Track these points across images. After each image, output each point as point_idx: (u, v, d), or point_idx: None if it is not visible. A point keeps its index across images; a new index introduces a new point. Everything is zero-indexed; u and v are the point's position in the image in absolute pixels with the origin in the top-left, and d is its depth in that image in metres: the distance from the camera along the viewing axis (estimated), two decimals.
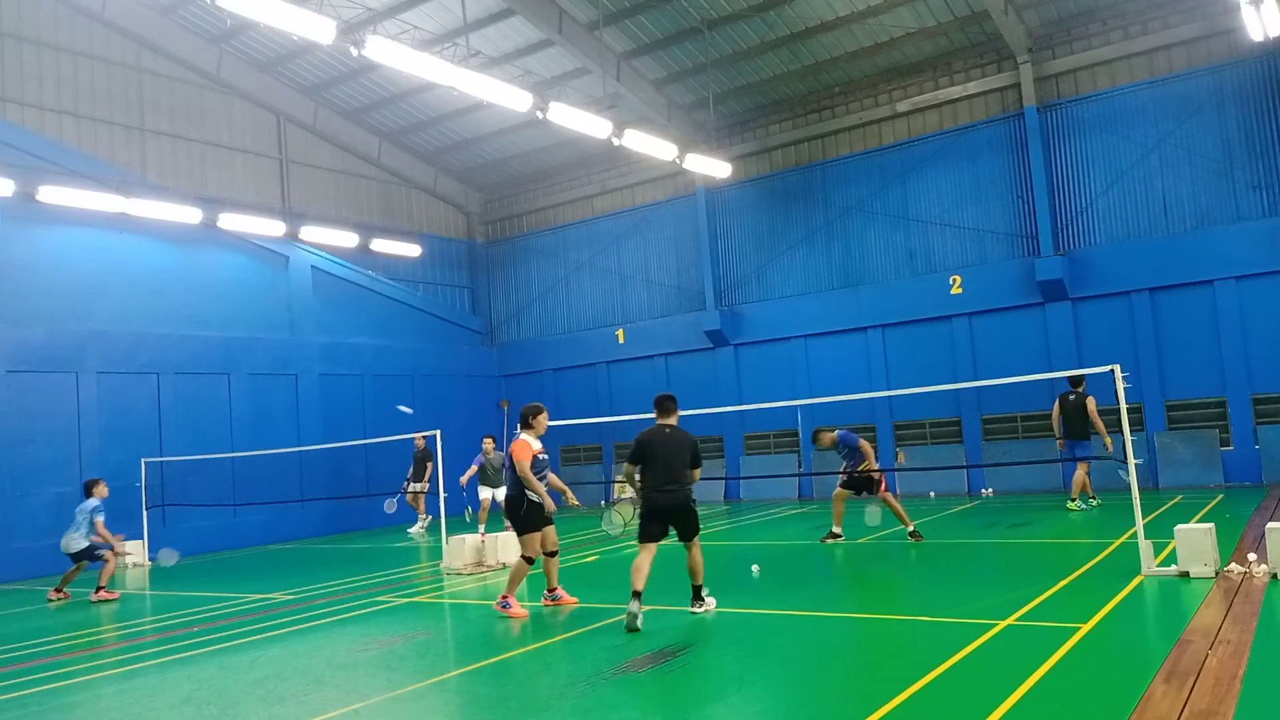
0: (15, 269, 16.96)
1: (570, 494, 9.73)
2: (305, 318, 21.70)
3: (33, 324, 17.00)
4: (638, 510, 8.47)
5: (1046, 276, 17.71)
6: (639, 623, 7.74)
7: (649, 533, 8.25)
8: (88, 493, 12.91)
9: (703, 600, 8.37)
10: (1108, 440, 13.61)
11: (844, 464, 12.65)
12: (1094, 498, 14.39)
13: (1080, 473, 14.22)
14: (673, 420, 8.52)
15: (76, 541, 12.57)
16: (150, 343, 18.53)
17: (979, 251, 19.17)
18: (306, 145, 22.86)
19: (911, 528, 12.09)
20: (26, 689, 7.43)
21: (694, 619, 8.15)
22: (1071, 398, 14.24)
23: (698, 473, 8.47)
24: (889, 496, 12.43)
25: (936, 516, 14.88)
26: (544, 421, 9.28)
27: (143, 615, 10.94)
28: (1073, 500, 14.16)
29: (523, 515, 8.93)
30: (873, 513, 12.58)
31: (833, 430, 12.73)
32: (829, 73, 20.28)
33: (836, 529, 12.57)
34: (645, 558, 8.11)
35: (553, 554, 9.21)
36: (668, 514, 8.25)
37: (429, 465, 18.14)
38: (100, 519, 12.67)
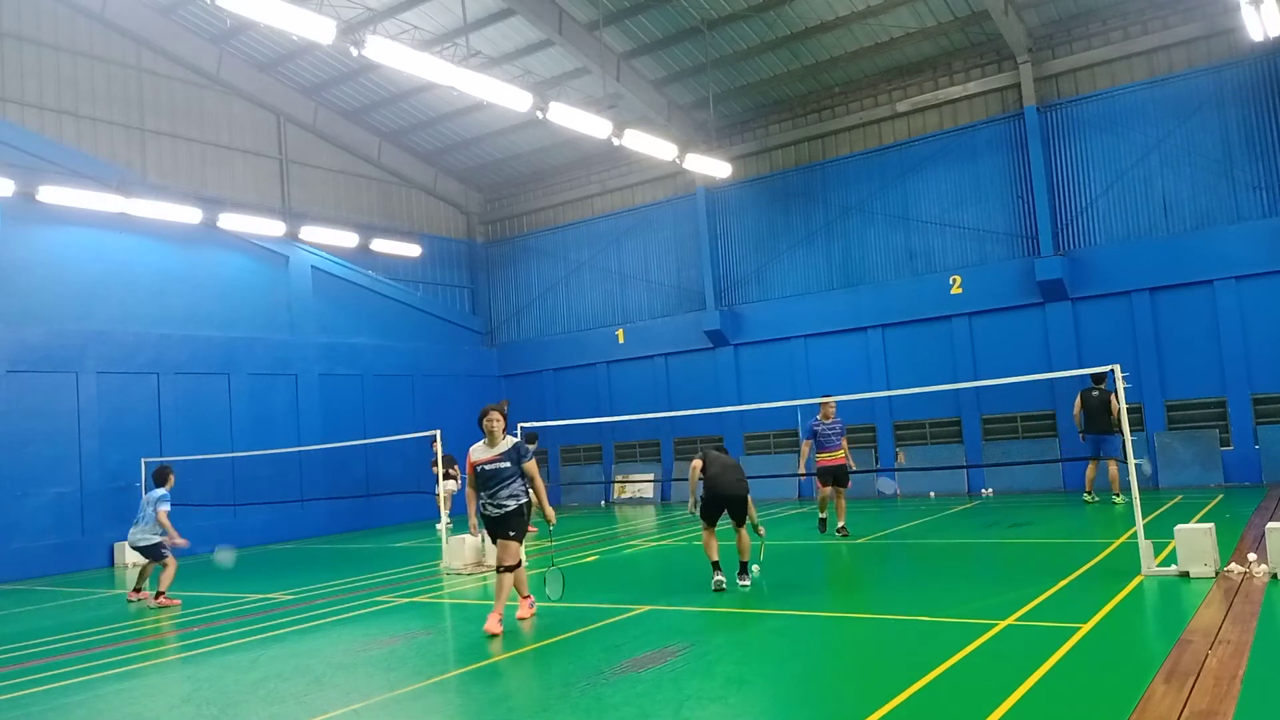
0: (15, 269, 16.97)
1: (548, 511, 8.63)
2: (305, 318, 21.70)
3: (33, 324, 17.01)
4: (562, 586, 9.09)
5: (1046, 276, 17.71)
6: (724, 585, 9.34)
7: (708, 518, 9.61)
8: (157, 482, 11.72)
9: (748, 575, 9.63)
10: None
11: (815, 445, 12.91)
12: (1119, 495, 14.49)
13: (1113, 469, 14.60)
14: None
15: (144, 536, 11.41)
16: (150, 343, 18.53)
17: (979, 251, 19.17)
18: (306, 145, 22.86)
19: (838, 524, 13.06)
20: (26, 689, 7.43)
21: (694, 619, 8.17)
22: (1095, 394, 14.49)
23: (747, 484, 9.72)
24: (841, 493, 13.13)
25: (936, 516, 14.89)
26: (490, 424, 8.27)
27: (143, 615, 10.93)
28: (1116, 496, 14.44)
29: None
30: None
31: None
32: (829, 73, 20.28)
33: (823, 514, 13.07)
34: (709, 537, 9.62)
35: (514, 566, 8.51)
36: (724, 503, 9.47)
37: (453, 466, 17.95)
38: (164, 508, 11.35)
